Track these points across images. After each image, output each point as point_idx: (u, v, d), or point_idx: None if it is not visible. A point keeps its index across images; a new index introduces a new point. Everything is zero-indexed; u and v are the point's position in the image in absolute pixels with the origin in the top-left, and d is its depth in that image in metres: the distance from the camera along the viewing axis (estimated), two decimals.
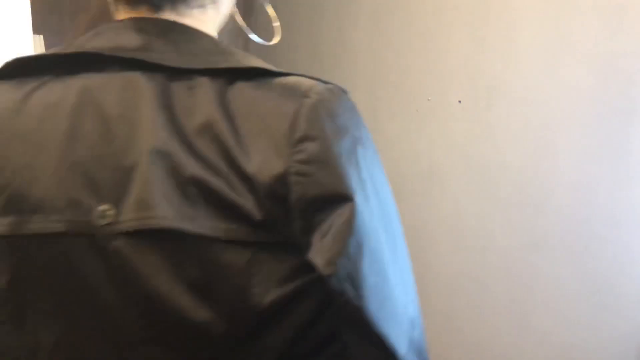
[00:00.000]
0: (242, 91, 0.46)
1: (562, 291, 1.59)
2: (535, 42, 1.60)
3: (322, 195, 0.43)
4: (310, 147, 0.43)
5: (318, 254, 0.43)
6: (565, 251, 1.57)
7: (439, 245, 2.02)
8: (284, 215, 0.44)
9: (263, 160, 0.43)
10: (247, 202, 0.43)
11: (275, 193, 0.43)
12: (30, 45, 1.44)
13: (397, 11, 2.10)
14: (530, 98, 1.63)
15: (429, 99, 1.99)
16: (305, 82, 0.47)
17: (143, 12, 0.51)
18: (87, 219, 0.45)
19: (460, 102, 1.86)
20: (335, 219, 0.43)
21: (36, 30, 1.56)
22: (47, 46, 1.62)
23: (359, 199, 0.44)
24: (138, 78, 0.47)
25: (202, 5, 0.53)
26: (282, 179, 0.43)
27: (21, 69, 0.51)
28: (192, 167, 0.43)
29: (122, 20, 0.51)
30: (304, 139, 0.44)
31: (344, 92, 0.49)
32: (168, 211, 0.43)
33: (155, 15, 0.51)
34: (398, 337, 0.46)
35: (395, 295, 0.47)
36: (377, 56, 2.22)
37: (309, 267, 0.44)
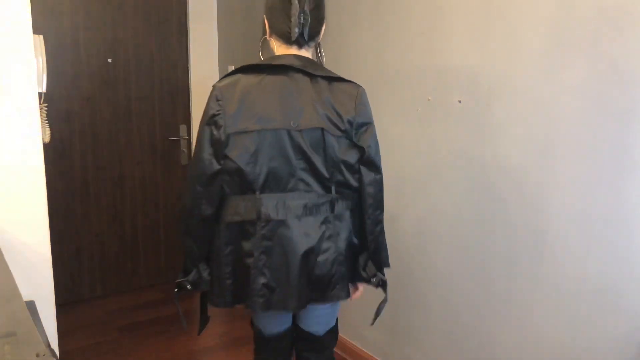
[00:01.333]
0: (336, 87, 1.42)
1: (562, 291, 1.59)
2: (535, 42, 1.60)
3: (364, 121, 1.44)
4: (361, 107, 1.43)
5: (361, 141, 1.43)
6: (565, 251, 1.57)
7: (439, 245, 2.02)
8: (351, 128, 1.42)
9: (347, 112, 1.41)
10: (341, 124, 1.41)
11: (350, 121, 1.41)
12: (30, 45, 1.44)
13: (397, 11, 2.10)
14: (530, 98, 1.63)
15: (429, 99, 1.99)
16: (355, 86, 1.45)
17: (292, 49, 1.43)
18: (287, 125, 1.38)
19: (460, 102, 1.87)
20: (367, 130, 1.44)
21: (36, 30, 1.56)
22: (47, 46, 1.62)
23: (373, 125, 1.46)
24: (304, 77, 1.40)
25: (311, 46, 1.47)
26: (353, 116, 1.42)
27: (250, 68, 1.42)
28: (324, 111, 1.40)
29: (288, 55, 1.42)
30: (359, 104, 1.43)
31: (364, 90, 1.46)
32: (319, 123, 1.39)
33: (299, 51, 1.44)
34: (379, 163, 1.48)
35: (378, 155, 1.48)
36: (377, 56, 2.22)
37: (357, 148, 1.44)
